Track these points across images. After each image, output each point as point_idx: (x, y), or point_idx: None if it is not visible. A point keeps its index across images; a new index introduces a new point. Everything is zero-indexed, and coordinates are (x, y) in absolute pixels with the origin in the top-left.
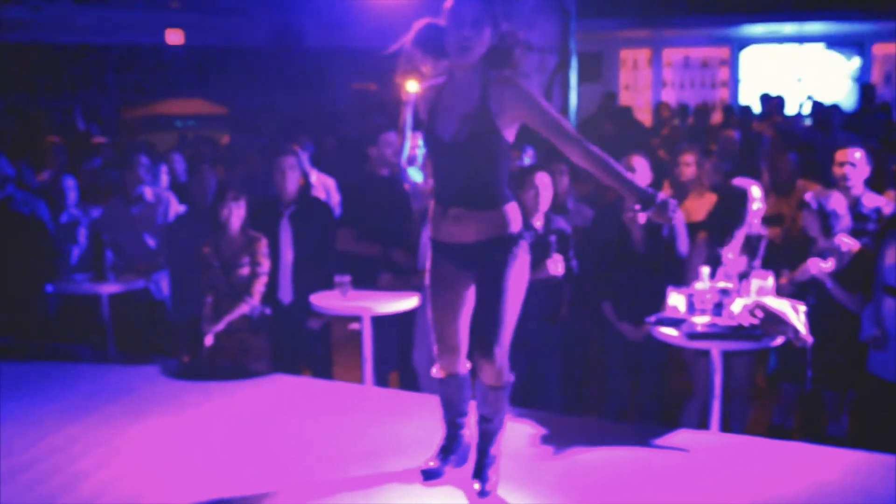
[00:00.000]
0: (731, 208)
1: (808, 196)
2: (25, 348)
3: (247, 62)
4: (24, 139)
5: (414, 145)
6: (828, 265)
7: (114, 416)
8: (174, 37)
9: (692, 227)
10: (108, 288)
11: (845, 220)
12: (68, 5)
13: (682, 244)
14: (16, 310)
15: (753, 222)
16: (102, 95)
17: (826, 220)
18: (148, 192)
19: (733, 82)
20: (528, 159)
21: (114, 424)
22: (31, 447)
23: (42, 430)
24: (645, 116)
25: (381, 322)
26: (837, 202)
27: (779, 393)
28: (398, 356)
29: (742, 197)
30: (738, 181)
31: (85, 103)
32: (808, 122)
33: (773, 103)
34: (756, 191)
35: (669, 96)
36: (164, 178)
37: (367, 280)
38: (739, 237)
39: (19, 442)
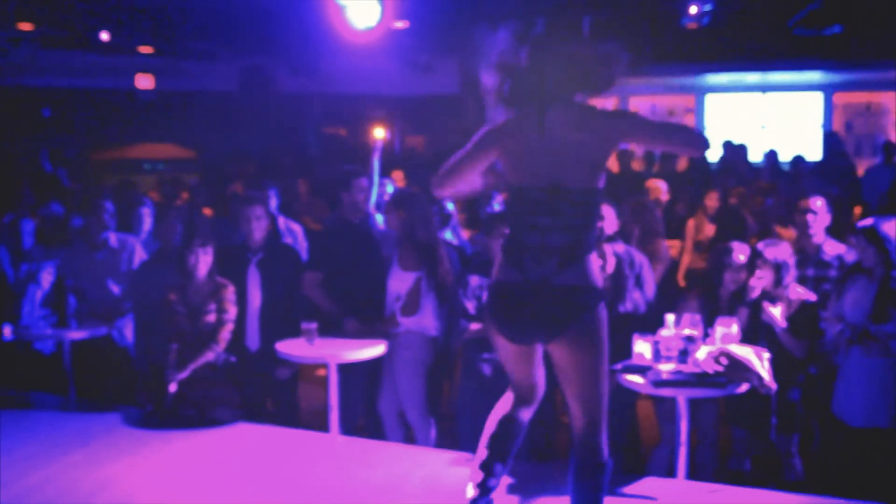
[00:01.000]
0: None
1: (759, 246)
2: None
3: (217, 106)
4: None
5: (382, 192)
6: (777, 311)
7: (75, 466)
8: (144, 81)
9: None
10: (71, 334)
11: (794, 271)
12: (37, 48)
13: (650, 289)
14: None
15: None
16: (71, 138)
17: (778, 270)
18: (112, 238)
19: (699, 129)
20: (497, 205)
21: (74, 474)
22: None
23: (2, 477)
24: (612, 164)
25: (347, 369)
26: (785, 253)
27: (732, 438)
28: (365, 404)
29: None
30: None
31: (53, 146)
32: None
33: (735, 151)
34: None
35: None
36: (148, 221)
37: (334, 327)
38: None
39: None
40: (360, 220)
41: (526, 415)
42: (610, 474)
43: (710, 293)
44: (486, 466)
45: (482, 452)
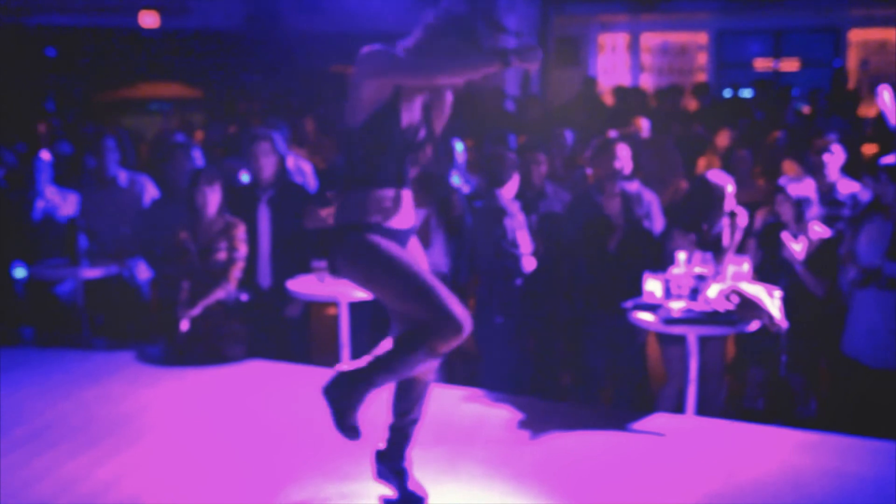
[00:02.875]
0: (704, 205)
1: (782, 181)
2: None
3: (223, 45)
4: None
5: None
6: (798, 247)
7: (89, 402)
8: (149, 19)
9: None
10: (84, 273)
11: (816, 207)
12: None
13: (658, 224)
14: None
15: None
16: (76, 78)
17: (798, 206)
18: (122, 177)
19: (711, 68)
20: None
21: (89, 410)
22: (5, 435)
23: (18, 416)
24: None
25: (357, 307)
26: (808, 188)
27: (746, 377)
28: (373, 341)
29: (717, 195)
30: (714, 176)
31: (59, 86)
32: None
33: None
34: (730, 188)
35: (647, 81)
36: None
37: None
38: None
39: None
40: None
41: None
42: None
43: (694, 226)
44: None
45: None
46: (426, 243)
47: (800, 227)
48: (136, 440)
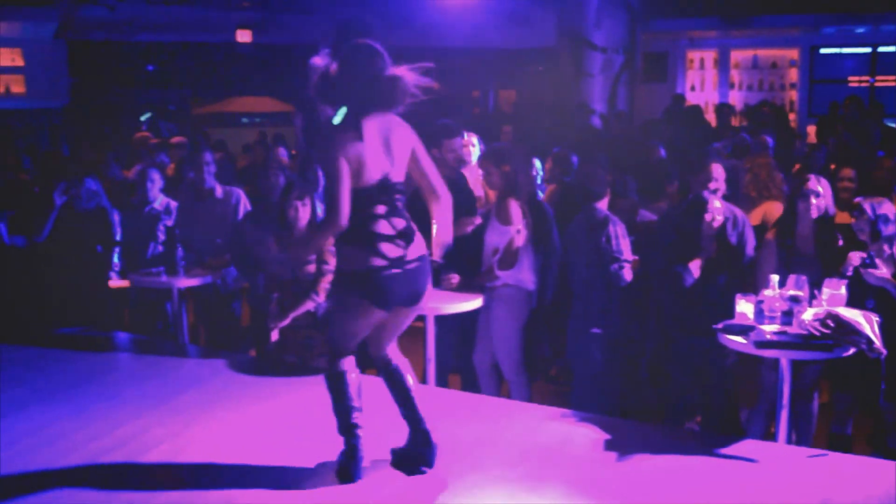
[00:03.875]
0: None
1: (859, 199)
2: (101, 339)
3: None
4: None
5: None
6: (883, 271)
7: (184, 409)
8: (243, 36)
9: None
10: (180, 282)
11: (892, 226)
12: (143, 5)
13: (751, 247)
14: (88, 302)
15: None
16: (173, 93)
17: (875, 224)
18: (218, 189)
19: (803, 84)
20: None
21: (184, 416)
22: (105, 436)
23: (116, 419)
24: (710, 118)
25: (442, 322)
26: (888, 208)
27: (834, 402)
28: (458, 357)
29: (803, 195)
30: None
31: (157, 100)
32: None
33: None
34: (819, 188)
35: (737, 98)
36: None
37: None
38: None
39: (95, 430)
40: (456, 176)
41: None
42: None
43: (786, 238)
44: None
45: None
46: (514, 261)
47: (875, 246)
48: (226, 447)
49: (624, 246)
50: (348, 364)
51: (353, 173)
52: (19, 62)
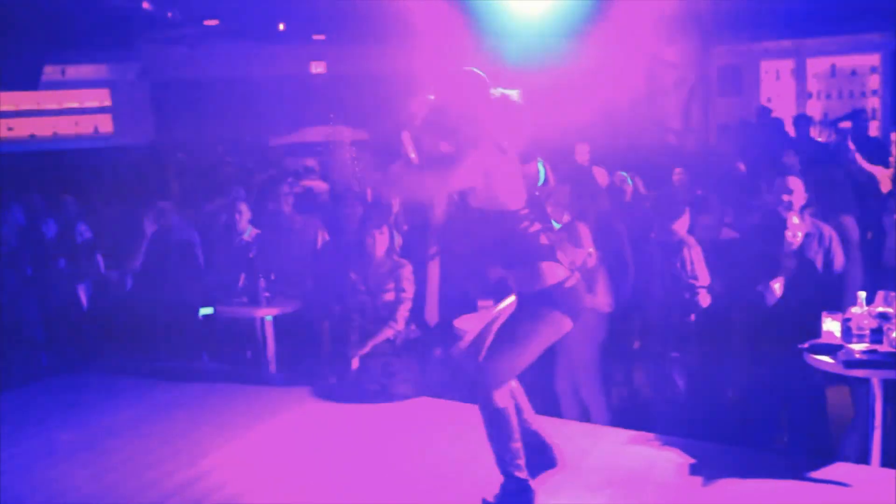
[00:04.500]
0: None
1: None
2: (184, 369)
3: (385, 88)
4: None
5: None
6: None
7: (265, 439)
8: (317, 67)
9: None
10: (261, 311)
11: None
12: (220, 42)
13: (839, 263)
14: (174, 332)
15: None
16: (250, 124)
17: None
18: (297, 220)
19: (887, 91)
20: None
21: (265, 446)
22: (193, 465)
23: (195, 449)
24: (789, 129)
25: None
26: None
27: None
28: (537, 380)
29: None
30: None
31: (236, 133)
32: None
33: None
34: None
35: (815, 108)
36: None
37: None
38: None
39: (174, 461)
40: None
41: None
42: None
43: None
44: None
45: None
46: (590, 284)
47: None
48: (306, 474)
49: (699, 270)
50: (506, 398)
51: (514, 191)
52: (107, 102)
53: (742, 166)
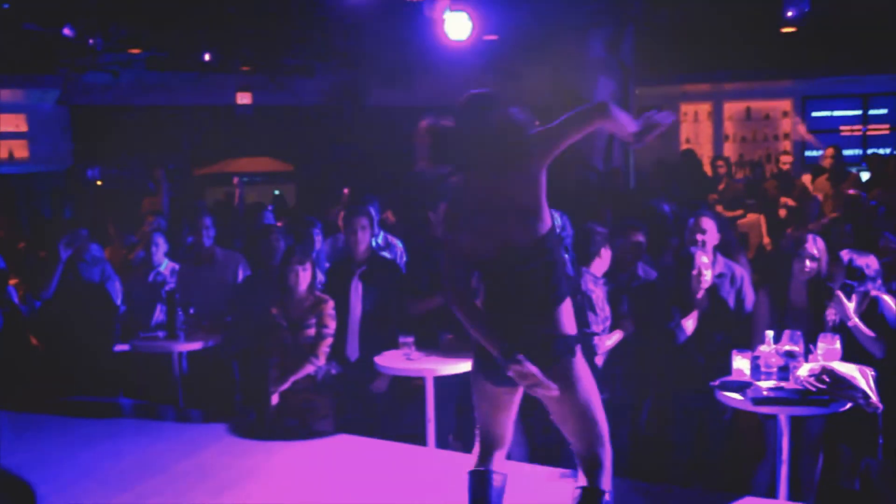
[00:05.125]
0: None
1: (843, 253)
2: (99, 405)
3: (312, 121)
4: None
5: None
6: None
7: (183, 475)
8: (244, 98)
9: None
10: (181, 346)
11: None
12: (143, 71)
13: (749, 302)
14: (88, 368)
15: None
16: (175, 155)
17: (852, 275)
18: (218, 252)
19: (797, 135)
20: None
21: (182, 483)
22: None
23: (114, 486)
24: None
25: (441, 383)
26: (871, 261)
27: (839, 454)
28: (458, 418)
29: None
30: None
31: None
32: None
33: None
34: (815, 251)
35: (731, 150)
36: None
37: (430, 340)
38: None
39: (92, 498)
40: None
41: (497, 462)
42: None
43: (779, 291)
44: None
45: None
46: None
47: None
48: None
49: (598, 314)
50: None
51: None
52: (23, 127)
53: (665, 206)
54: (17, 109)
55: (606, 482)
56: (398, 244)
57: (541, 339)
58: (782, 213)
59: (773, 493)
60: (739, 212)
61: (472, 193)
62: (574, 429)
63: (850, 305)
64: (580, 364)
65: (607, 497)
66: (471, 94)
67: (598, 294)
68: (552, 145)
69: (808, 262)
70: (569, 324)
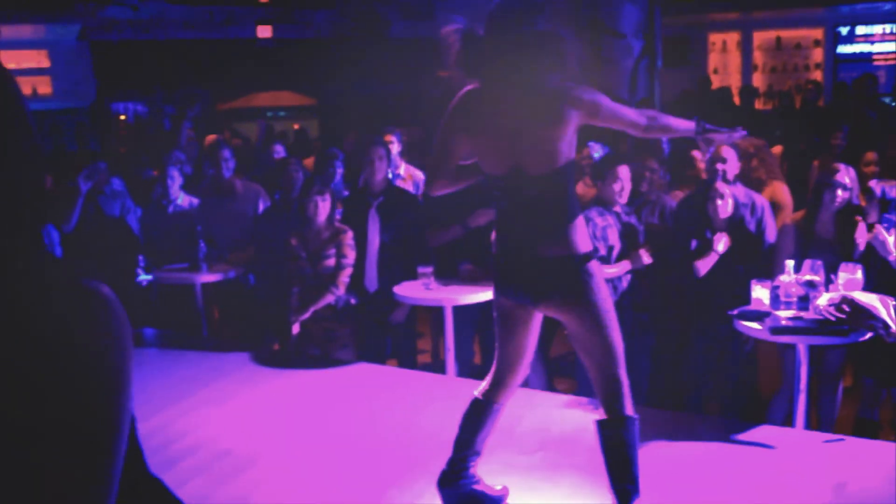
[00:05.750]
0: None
1: (872, 183)
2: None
3: (333, 54)
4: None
5: None
6: (891, 238)
7: (208, 401)
8: (264, 31)
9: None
10: (203, 278)
11: None
12: (164, 4)
13: (771, 233)
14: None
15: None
16: (197, 90)
17: (886, 207)
18: (238, 185)
19: (828, 64)
20: (597, 153)
21: (207, 408)
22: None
23: (141, 413)
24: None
25: (460, 312)
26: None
27: (861, 387)
28: (479, 343)
29: (830, 186)
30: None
31: (181, 98)
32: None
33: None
34: (846, 179)
35: (760, 80)
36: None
37: (449, 270)
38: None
39: None
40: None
41: (501, 401)
42: (636, 428)
43: (808, 225)
44: (459, 445)
45: (459, 431)
46: None
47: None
48: (246, 439)
49: (610, 234)
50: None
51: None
52: (45, 63)
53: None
54: (38, 45)
55: (630, 407)
56: (419, 175)
57: (557, 262)
58: (802, 146)
59: (790, 423)
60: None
61: (490, 104)
62: (597, 351)
63: (890, 239)
64: (599, 283)
65: (635, 423)
66: (511, 3)
67: (600, 223)
68: (589, 118)
69: (839, 192)
70: (582, 242)
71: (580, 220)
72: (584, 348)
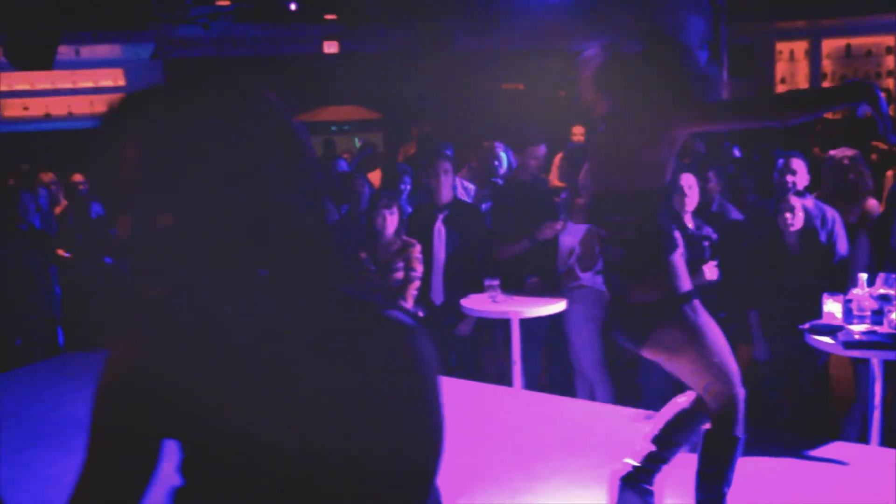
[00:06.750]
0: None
1: None
2: None
3: (398, 68)
4: None
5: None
6: None
7: None
8: (331, 47)
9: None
10: None
11: None
12: (232, 24)
13: (842, 245)
14: None
15: None
16: None
17: None
18: None
19: None
20: None
21: None
22: None
23: None
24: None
25: (527, 325)
26: None
27: None
28: (544, 359)
29: None
30: None
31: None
32: None
33: None
34: None
35: None
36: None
37: (515, 284)
38: None
39: None
40: (538, 181)
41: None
42: (740, 449)
43: (880, 236)
44: (658, 441)
45: (655, 429)
46: (593, 260)
47: None
48: None
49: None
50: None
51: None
52: (121, 82)
53: (736, 151)
54: (115, 65)
55: (741, 428)
56: (471, 187)
57: (646, 309)
58: (874, 156)
59: (864, 440)
60: None
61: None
62: (712, 385)
63: None
64: (701, 316)
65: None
66: (649, 26)
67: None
68: (697, 124)
69: None
70: (682, 281)
71: (676, 257)
72: (689, 381)
